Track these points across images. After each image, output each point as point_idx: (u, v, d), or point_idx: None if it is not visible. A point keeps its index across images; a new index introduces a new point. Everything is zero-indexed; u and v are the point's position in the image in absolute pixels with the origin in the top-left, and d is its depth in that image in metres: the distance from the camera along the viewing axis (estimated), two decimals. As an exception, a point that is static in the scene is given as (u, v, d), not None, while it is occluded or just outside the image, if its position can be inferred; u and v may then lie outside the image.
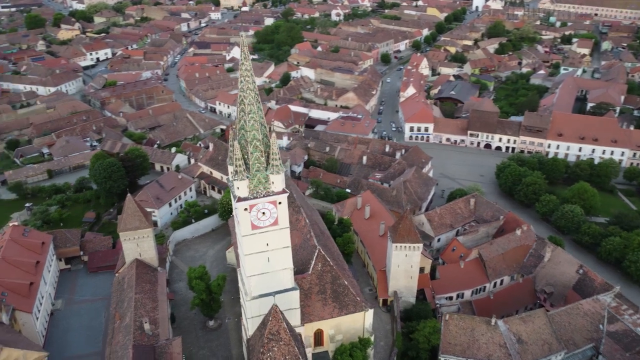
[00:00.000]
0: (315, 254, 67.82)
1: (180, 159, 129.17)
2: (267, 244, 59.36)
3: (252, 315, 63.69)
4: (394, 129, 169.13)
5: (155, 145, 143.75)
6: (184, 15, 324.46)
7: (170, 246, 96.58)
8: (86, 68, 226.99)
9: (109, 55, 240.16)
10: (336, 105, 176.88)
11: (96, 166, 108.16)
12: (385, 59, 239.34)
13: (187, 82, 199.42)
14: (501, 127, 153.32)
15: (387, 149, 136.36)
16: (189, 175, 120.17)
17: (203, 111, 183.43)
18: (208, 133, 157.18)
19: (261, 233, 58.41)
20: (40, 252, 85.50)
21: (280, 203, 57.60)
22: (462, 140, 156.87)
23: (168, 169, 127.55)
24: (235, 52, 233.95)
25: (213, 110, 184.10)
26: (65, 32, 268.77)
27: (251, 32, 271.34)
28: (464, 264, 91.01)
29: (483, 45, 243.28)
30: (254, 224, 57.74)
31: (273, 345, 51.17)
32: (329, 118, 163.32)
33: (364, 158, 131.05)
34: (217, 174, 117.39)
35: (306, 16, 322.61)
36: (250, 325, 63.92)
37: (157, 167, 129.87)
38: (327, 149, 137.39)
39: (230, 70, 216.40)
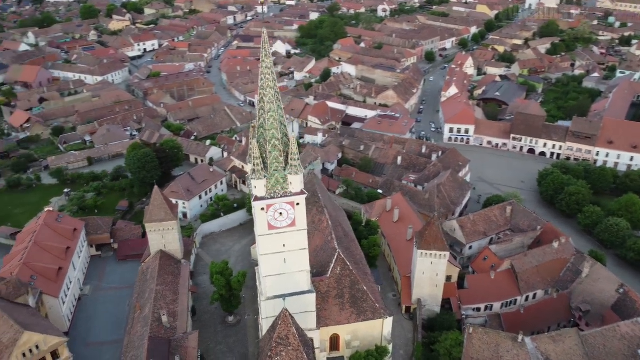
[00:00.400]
0: (335, 257, 66.20)
1: (215, 152, 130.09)
2: (284, 245, 58.32)
3: (266, 316, 62.96)
4: (433, 130, 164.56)
5: (193, 137, 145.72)
6: (231, 8, 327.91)
7: (197, 239, 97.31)
8: (133, 58, 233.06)
9: (156, 47, 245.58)
10: (375, 103, 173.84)
11: (131, 156, 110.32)
12: (429, 57, 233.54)
13: (228, 75, 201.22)
14: (547, 132, 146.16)
15: (423, 150, 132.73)
16: (222, 168, 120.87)
17: (242, 104, 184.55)
18: (245, 126, 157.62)
19: (278, 234, 57.43)
20: (72, 238, 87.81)
21: (298, 204, 56.34)
22: (504, 144, 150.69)
23: (202, 161, 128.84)
24: (278, 47, 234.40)
25: (252, 104, 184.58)
26: (116, 23, 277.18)
27: (295, 27, 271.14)
28: (495, 275, 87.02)
29: (534, 45, 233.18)
30: (271, 224, 56.79)
31: (281, 349, 50.06)
32: (366, 116, 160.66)
33: (399, 158, 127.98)
34: (248, 168, 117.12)
35: (352, 11, 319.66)
36: (265, 326, 63.18)
37: (192, 159, 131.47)
38: (362, 147, 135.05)
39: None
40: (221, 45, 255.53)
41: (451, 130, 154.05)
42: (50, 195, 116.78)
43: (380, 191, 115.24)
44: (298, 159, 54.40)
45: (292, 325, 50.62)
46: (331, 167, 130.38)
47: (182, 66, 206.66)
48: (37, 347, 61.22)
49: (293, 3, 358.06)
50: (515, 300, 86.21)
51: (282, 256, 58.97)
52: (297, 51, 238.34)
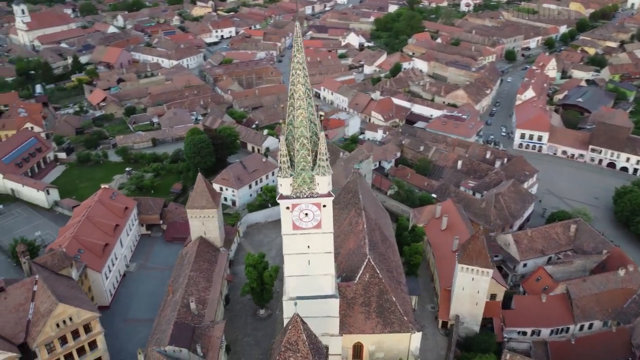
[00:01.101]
0: (365, 263, 63.47)
1: (271, 142, 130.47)
2: (308, 246, 56.54)
3: (287, 316, 61.51)
4: (503, 134, 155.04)
5: (254, 126, 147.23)
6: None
7: (241, 228, 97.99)
8: (210, 44, 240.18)
9: (233, 34, 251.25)
10: (443, 102, 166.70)
11: (189, 140, 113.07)
12: (510, 56, 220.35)
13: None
14: (631, 145, 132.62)
15: (487, 156, 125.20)
16: (276, 159, 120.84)
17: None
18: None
19: (303, 234, 55.70)
20: (122, 216, 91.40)
21: (324, 206, 54.19)
22: (581, 155, 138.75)
23: (258, 150, 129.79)
24: (351, 39, 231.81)
25: (317, 96, 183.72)
26: (198, 9, 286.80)
27: (371, 19, 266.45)
28: (547, 298, 80.00)
29: (630, 49, 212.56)
30: (296, 223, 55.13)
31: (290, 355, 48.52)
32: (431, 115, 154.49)
33: (459, 162, 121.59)
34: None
35: (433, 4, 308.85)
36: (285, 325, 61.99)
37: (249, 147, 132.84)
38: (422, 148, 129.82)
39: (342, 56, 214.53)
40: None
41: (522, 136, 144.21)
42: (114, 172, 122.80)
43: (434, 195, 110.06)
44: (327, 160, 52.15)
45: (302, 331, 48.86)
46: (388, 165, 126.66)
47: (253, 54, 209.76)
48: (70, 319, 63.97)
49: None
50: (567, 328, 78.83)
51: (306, 257, 57.24)
52: (371, 44, 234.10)
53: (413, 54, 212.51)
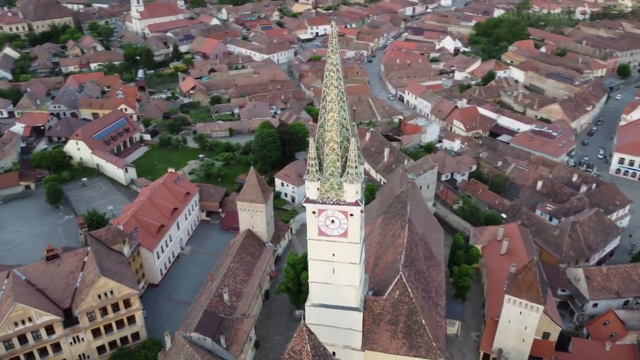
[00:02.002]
0: (396, 279, 60.03)
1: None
2: (333, 254, 54.59)
3: (309, 322, 60.07)
4: (600, 157, 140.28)
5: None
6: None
7: (294, 225, 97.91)
8: (305, 41, 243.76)
9: (327, 31, 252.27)
10: (535, 116, 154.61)
11: (258, 133, 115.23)
12: (623, 71, 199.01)
13: (385, 67, 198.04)
14: None
15: (573, 179, 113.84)
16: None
17: (392, 98, 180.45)
18: (384, 121, 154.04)
19: (328, 241, 53.87)
20: (182, 201, 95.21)
21: (352, 215, 51.90)
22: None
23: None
24: (447, 42, 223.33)
25: (401, 99, 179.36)
26: (299, 6, 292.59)
27: (472, 23, 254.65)
28: (612, 347, 70.69)
29: None
30: (321, 230, 53.44)
31: (292, 364, 47.07)
32: (518, 129, 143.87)
33: (539, 183, 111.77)
34: (366, 165, 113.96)
35: (544, 10, 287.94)
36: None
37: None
38: (500, 163, 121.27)
39: (434, 60, 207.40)
40: (391, 35, 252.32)
41: (621, 160, 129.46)
42: (189, 158, 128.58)
43: (503, 215, 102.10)
44: (356, 167, 49.78)
45: (307, 341, 46.98)
46: (460, 178, 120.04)
47: (343, 53, 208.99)
48: (111, 292, 67.68)
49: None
50: (632, 385, 69.20)
51: (331, 265, 55.34)
52: (467, 49, 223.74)
53: (511, 62, 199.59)
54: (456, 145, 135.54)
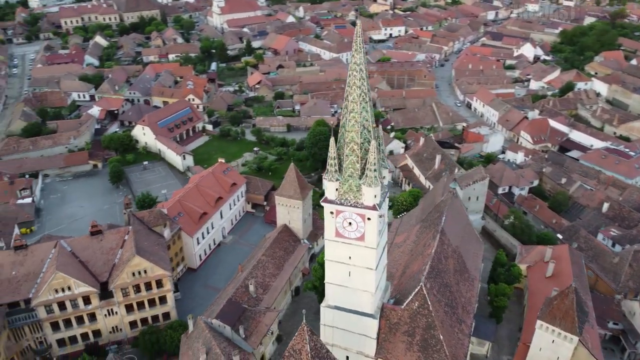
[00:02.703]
0: (416, 290, 57.86)
1: (395, 145, 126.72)
2: (350, 257, 53.65)
3: (324, 323, 59.79)
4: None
5: (389, 127, 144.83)
6: (496, 2, 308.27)
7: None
8: (377, 41, 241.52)
9: (402, 33, 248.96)
10: (614, 133, 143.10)
11: (311, 131, 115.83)
12: None
13: (456, 72, 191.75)
14: None
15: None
16: (394, 163, 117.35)
17: (459, 104, 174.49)
18: (446, 127, 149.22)
19: (344, 243, 53.02)
20: (228, 191, 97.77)
21: (369, 219, 50.70)
22: None
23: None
24: (526, 50, 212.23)
25: (469, 106, 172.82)
26: (376, 6, 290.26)
27: (557, 30, 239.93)
28: (661, 392, 64.08)
29: None
30: (339, 231, 52.68)
31: (292, 362, 46.86)
32: (591, 145, 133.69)
33: (606, 205, 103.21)
34: (417, 171, 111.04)
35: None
36: (322, 332, 60.26)
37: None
38: (564, 180, 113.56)
39: (510, 67, 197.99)
40: (467, 40, 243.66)
41: None
42: (245, 150, 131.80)
43: (559, 236, 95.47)
44: (375, 170, 48.52)
45: (307, 341, 46.52)
46: (518, 192, 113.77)
47: (413, 55, 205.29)
48: (144, 271, 70.86)
49: (571, 4, 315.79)
50: None
51: (347, 268, 54.41)
52: (548, 58, 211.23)
53: (595, 73, 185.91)
54: (519, 157, 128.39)
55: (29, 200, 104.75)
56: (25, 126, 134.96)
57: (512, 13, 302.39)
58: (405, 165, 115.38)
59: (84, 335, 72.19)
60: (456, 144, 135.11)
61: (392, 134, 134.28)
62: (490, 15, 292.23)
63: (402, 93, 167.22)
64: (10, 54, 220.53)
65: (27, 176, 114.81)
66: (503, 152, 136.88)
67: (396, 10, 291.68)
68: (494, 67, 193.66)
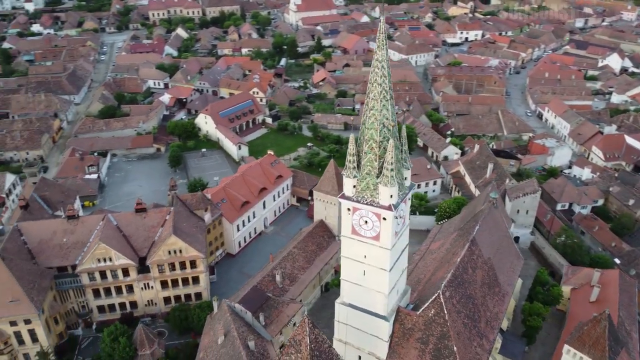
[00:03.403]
0: (433, 297, 56.25)
1: (450, 151, 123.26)
2: (365, 256, 53.26)
3: (338, 320, 59.75)
4: None
5: (449, 132, 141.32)
6: (587, 10, 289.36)
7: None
8: (452, 45, 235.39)
9: (478, 37, 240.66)
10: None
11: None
12: None
13: (531, 80, 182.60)
14: None
15: None
16: (446, 169, 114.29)
17: (529, 114, 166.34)
18: (511, 137, 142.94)
19: (360, 242, 52.70)
20: (273, 182, 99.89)
21: (385, 219, 50.05)
22: None
23: (437, 156, 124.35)
24: (612, 60, 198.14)
25: (540, 116, 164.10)
26: (455, 9, 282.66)
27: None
28: None
29: None
30: (355, 228, 52.46)
31: (292, 352, 47.12)
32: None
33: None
34: (468, 178, 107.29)
35: None
36: (336, 328, 60.36)
37: (429, 151, 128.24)
38: (632, 202, 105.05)
39: (591, 78, 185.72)
40: (549, 47, 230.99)
41: None
42: (300, 144, 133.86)
43: (617, 261, 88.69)
44: (392, 170, 47.72)
45: (307, 334, 46.71)
46: (578, 210, 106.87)
47: (486, 60, 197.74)
48: (180, 251, 74.30)
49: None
50: None
51: (362, 267, 53.97)
52: (636, 70, 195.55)
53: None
54: (585, 173, 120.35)
55: (94, 176, 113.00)
56: (102, 108, 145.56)
57: (603, 21, 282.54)
58: (457, 172, 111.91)
59: (122, 305, 77.06)
60: (518, 155, 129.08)
61: (448, 140, 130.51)
62: (579, 23, 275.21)
63: (468, 99, 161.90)
64: (102, 42, 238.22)
65: (96, 154, 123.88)
66: (570, 167, 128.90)
67: (476, 14, 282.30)
68: (574, 77, 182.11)
